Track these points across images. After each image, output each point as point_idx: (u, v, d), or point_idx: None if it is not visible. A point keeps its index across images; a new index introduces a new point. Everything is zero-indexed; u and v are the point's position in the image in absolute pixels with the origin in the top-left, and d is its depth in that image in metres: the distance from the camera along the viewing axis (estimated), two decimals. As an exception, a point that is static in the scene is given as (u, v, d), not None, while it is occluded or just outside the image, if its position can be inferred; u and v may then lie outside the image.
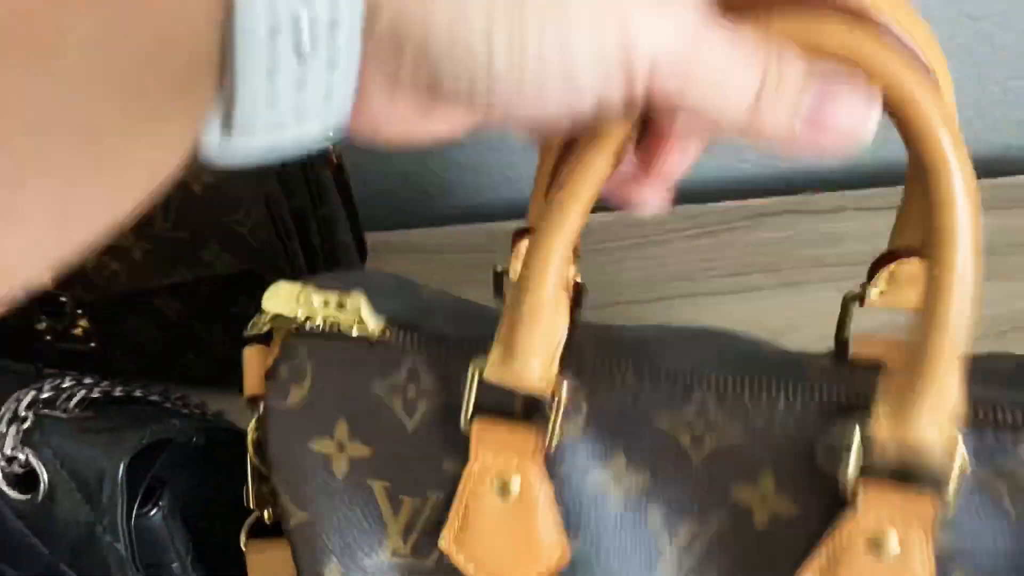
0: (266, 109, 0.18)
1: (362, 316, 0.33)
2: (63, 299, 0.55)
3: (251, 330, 0.36)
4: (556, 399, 0.31)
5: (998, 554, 0.29)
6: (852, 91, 0.24)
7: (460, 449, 0.32)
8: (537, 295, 0.30)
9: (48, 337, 0.57)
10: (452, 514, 0.32)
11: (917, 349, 0.27)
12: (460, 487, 0.32)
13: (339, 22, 0.18)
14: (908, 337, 0.27)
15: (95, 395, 0.43)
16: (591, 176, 0.28)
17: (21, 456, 0.40)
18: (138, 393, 0.45)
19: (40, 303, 0.55)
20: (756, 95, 0.22)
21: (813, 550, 0.30)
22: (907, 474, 0.28)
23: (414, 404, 0.33)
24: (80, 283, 0.53)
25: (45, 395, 0.42)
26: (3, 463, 0.40)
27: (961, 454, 0.28)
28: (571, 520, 0.32)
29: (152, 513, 0.40)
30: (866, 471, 0.29)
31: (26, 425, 0.40)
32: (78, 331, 0.57)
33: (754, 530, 0.31)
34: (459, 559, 0.32)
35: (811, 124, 0.23)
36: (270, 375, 0.34)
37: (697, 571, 0.32)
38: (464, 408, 0.31)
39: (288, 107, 0.19)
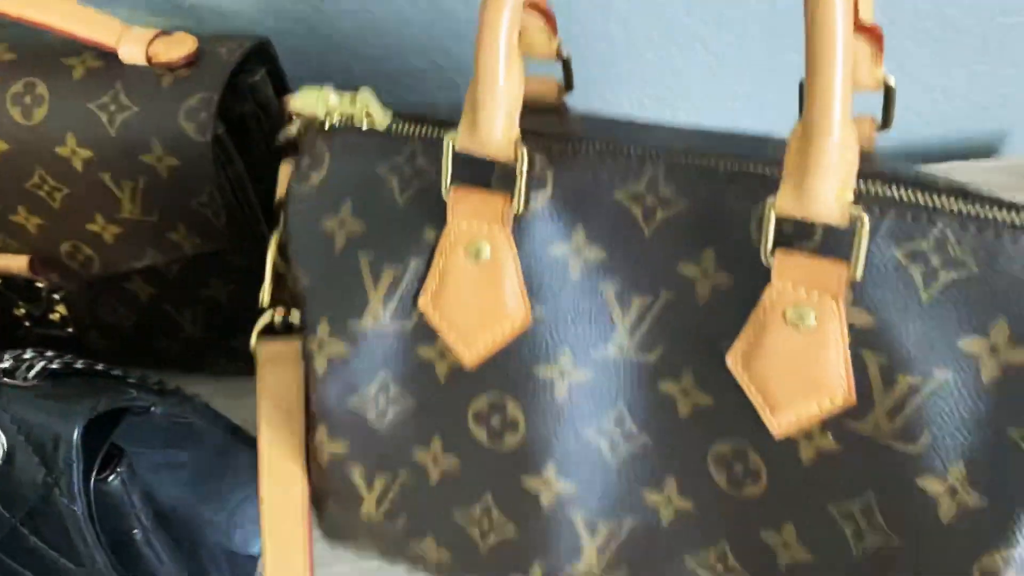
0: None
1: (370, 110, 0.37)
2: (39, 285, 0.55)
3: (281, 138, 0.41)
4: (519, 162, 0.34)
5: (910, 337, 0.31)
6: None
7: (440, 220, 0.36)
8: (487, 56, 0.33)
9: (27, 323, 0.58)
10: (429, 277, 0.36)
11: (805, 126, 0.29)
12: (437, 251, 0.35)
13: None
14: (802, 121, 0.30)
15: (55, 366, 0.43)
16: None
17: (-20, 423, 0.40)
18: (99, 367, 0.45)
19: (17, 290, 0.56)
20: None
21: (745, 321, 0.33)
22: (825, 247, 0.31)
23: (409, 182, 0.36)
24: (56, 269, 0.54)
25: (4, 365, 0.42)
26: (-39, 432, 0.40)
27: (863, 227, 0.30)
28: (534, 288, 0.35)
29: (111, 479, 0.40)
30: (787, 243, 0.31)
31: None
32: (55, 316, 0.57)
33: (697, 303, 0.34)
34: (435, 319, 0.36)
35: None
36: (295, 165, 0.39)
37: (647, 340, 0.35)
38: (443, 178, 0.35)
39: None
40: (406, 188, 0.37)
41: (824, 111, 0.29)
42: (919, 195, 0.31)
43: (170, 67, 0.47)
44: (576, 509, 0.38)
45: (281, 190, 0.40)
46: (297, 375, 0.41)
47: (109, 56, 0.48)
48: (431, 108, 0.39)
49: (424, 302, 0.36)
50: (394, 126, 0.38)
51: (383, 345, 0.38)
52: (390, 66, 0.66)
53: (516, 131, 0.34)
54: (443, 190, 0.35)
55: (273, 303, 0.42)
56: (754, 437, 0.34)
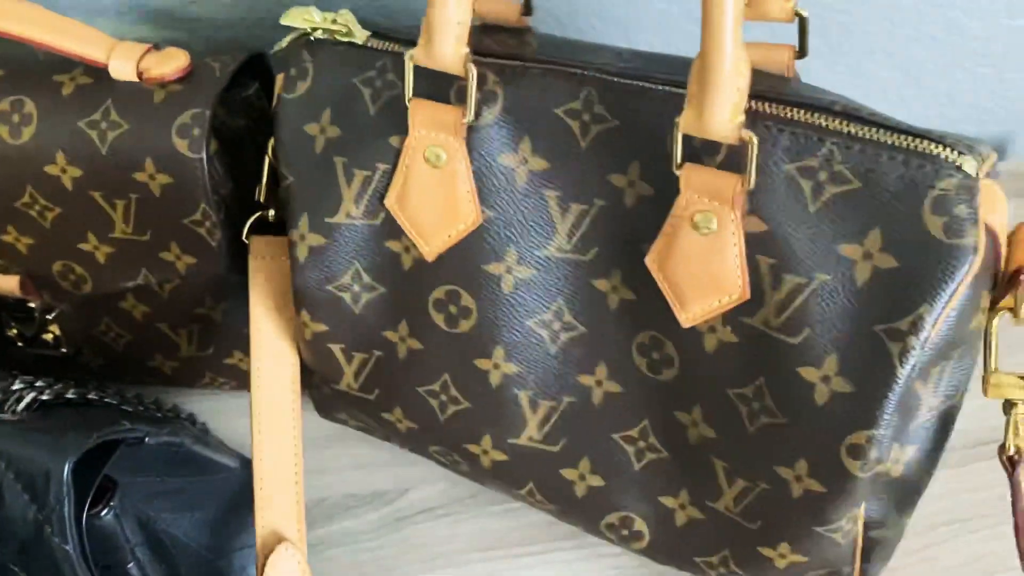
0: None
1: (351, 28, 0.43)
2: (31, 305, 0.54)
3: (275, 49, 0.46)
4: (468, 78, 0.39)
5: (797, 243, 0.35)
6: None
7: (405, 129, 0.41)
8: None
9: (19, 344, 0.57)
10: (395, 178, 0.42)
11: (702, 54, 0.34)
12: (401, 157, 0.41)
13: None
14: (700, 49, 0.34)
15: (45, 397, 0.42)
16: None
17: (-34, 459, 0.38)
18: (92, 395, 0.44)
19: (8, 310, 0.55)
20: None
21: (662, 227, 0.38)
22: (727, 163, 0.36)
23: (379, 93, 0.42)
24: (48, 289, 0.53)
25: None
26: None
27: (753, 145, 0.34)
28: (484, 192, 0.41)
29: (104, 513, 0.40)
30: (696, 158, 0.36)
31: None
32: (48, 336, 0.56)
33: (625, 210, 0.39)
34: (399, 216, 0.42)
35: None
36: (284, 76, 0.45)
37: (583, 242, 0.40)
38: (405, 91, 0.40)
39: None
40: (377, 99, 0.42)
41: (716, 45, 0.33)
42: (812, 116, 0.36)
43: (162, 82, 0.46)
44: (520, 388, 0.43)
45: (275, 99, 0.45)
46: (287, 267, 0.47)
47: (99, 72, 0.46)
48: (404, 29, 0.44)
49: (390, 201, 0.42)
50: (370, 43, 0.43)
51: (355, 239, 0.43)
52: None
53: (465, 50, 0.39)
54: (406, 101, 0.41)
55: (267, 200, 0.47)
56: (668, 329, 0.39)
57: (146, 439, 0.41)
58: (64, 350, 0.57)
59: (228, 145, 0.48)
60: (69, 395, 0.44)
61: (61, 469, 0.37)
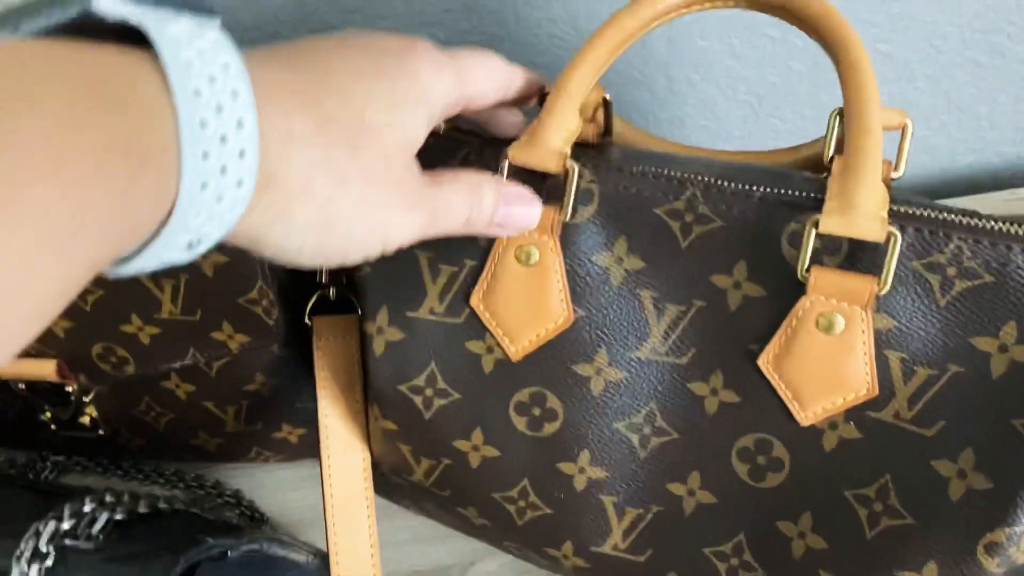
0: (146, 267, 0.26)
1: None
2: (68, 389, 0.52)
3: None
4: (568, 177, 0.37)
5: (927, 337, 0.35)
6: (522, 198, 0.37)
7: (494, 225, 0.39)
8: (557, 95, 0.37)
9: (53, 427, 0.55)
10: (482, 277, 0.39)
11: (850, 156, 0.33)
12: (491, 255, 0.39)
13: (212, 240, 0.27)
14: (845, 152, 0.34)
15: (119, 517, 0.41)
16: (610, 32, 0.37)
17: (45, 597, 0.38)
18: (162, 505, 0.43)
19: (43, 394, 0.52)
20: (467, 218, 0.35)
21: (776, 328, 0.36)
22: (851, 261, 0.34)
23: (462, 186, 0.40)
24: (86, 372, 0.51)
25: (66, 525, 0.39)
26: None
27: (895, 243, 0.33)
28: (576, 291, 0.39)
29: None
30: (817, 258, 0.35)
31: (48, 562, 0.38)
32: (85, 420, 0.54)
33: (728, 311, 0.37)
34: (485, 315, 0.40)
35: (502, 221, 0.37)
36: None
37: (679, 344, 0.38)
38: (498, 188, 0.38)
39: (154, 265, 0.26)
40: (461, 193, 0.40)
41: (868, 140, 0.33)
42: (935, 213, 0.35)
43: None
44: (606, 494, 0.41)
45: None
46: (352, 349, 0.45)
47: None
48: (465, 125, 0.42)
49: (476, 300, 0.40)
50: (452, 134, 0.41)
51: (435, 337, 0.41)
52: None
53: (568, 150, 0.37)
54: (497, 199, 0.38)
55: (332, 279, 0.45)
56: (779, 429, 0.37)
57: (228, 553, 0.40)
58: (101, 432, 0.55)
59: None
60: (141, 509, 0.42)
61: (154, 604, 0.35)
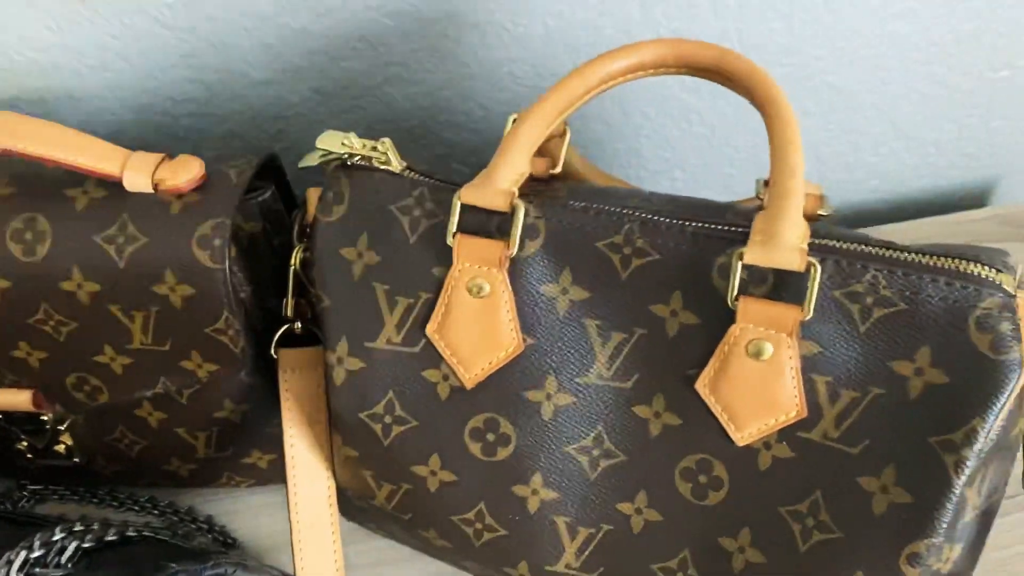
0: None
1: (389, 156, 0.43)
2: (44, 418, 0.53)
3: (303, 163, 0.46)
4: (515, 214, 0.40)
5: (849, 360, 0.37)
6: None
7: (446, 258, 0.41)
8: (512, 139, 0.40)
9: (29, 455, 0.55)
10: (437, 308, 0.41)
11: (773, 193, 0.36)
12: (444, 287, 0.41)
13: None
14: (770, 191, 0.36)
15: (87, 545, 0.41)
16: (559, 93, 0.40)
17: (16, 627, 0.38)
18: (131, 532, 0.44)
19: (18, 423, 0.53)
20: None
21: (711, 354, 0.38)
22: (776, 291, 0.36)
23: (418, 222, 0.42)
24: (60, 401, 0.52)
25: (36, 554, 0.40)
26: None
27: (816, 272, 0.36)
28: (526, 321, 0.41)
29: None
30: (744, 289, 0.37)
31: None
32: (60, 448, 0.55)
33: (667, 338, 0.39)
34: (440, 345, 0.42)
35: None
36: (321, 198, 0.44)
37: (623, 369, 0.41)
38: (450, 226, 0.41)
39: None
40: (416, 227, 0.42)
41: (791, 180, 0.36)
42: (853, 245, 0.37)
43: (178, 193, 0.45)
44: (559, 514, 0.43)
45: (309, 214, 0.45)
46: (318, 380, 0.47)
47: (112, 184, 0.46)
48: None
49: (431, 329, 0.42)
50: (405, 172, 0.43)
51: (393, 366, 0.43)
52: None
53: (515, 190, 0.40)
54: (449, 237, 0.40)
55: (296, 313, 0.47)
56: (718, 450, 0.40)
57: (196, 581, 0.40)
58: (76, 460, 0.56)
59: (244, 249, 0.48)
60: (109, 537, 0.44)
61: (122, 632, 0.36)
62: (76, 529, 0.43)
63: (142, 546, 0.45)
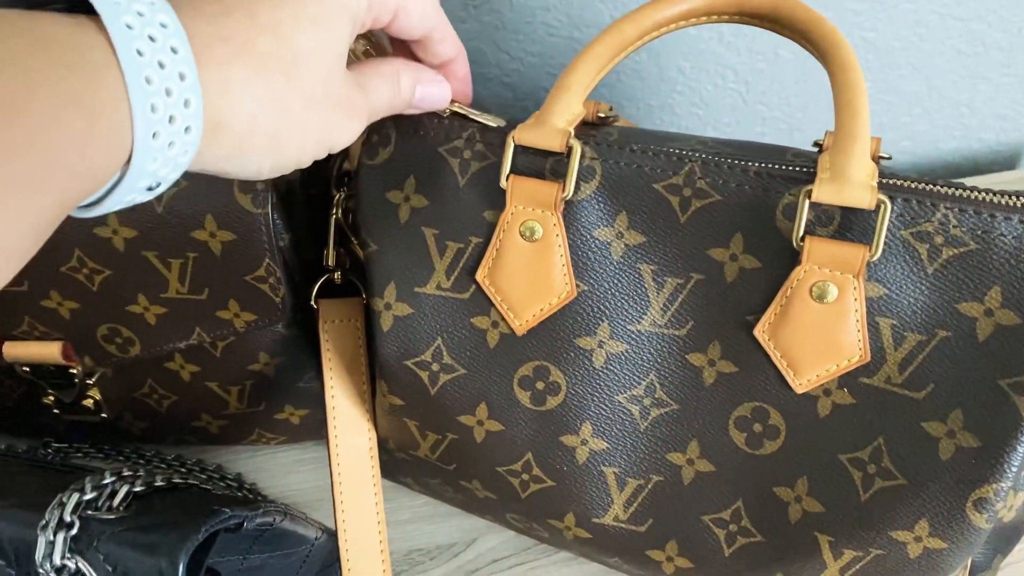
0: (112, 208, 0.29)
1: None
2: (72, 371, 0.51)
3: None
4: (571, 155, 0.38)
5: (915, 302, 0.36)
6: (436, 82, 0.40)
7: (498, 202, 0.40)
8: (564, 80, 0.39)
9: (56, 411, 0.55)
10: (487, 253, 0.40)
11: (840, 133, 0.35)
12: (496, 231, 0.40)
13: (170, 182, 0.29)
14: (835, 133, 0.35)
15: (138, 489, 0.42)
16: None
17: (71, 564, 0.39)
18: (177, 480, 0.44)
19: (46, 376, 0.52)
20: (389, 104, 0.38)
21: (771, 299, 0.37)
22: (842, 231, 0.35)
23: (468, 164, 0.41)
24: (90, 353, 0.50)
25: (88, 496, 0.40)
26: (53, 574, 0.39)
27: (886, 210, 0.35)
28: (579, 266, 0.40)
29: None
30: (810, 229, 0.36)
31: (73, 531, 0.39)
32: (88, 402, 0.54)
33: (725, 283, 0.38)
34: (490, 291, 0.41)
35: (420, 100, 0.40)
36: (364, 142, 0.43)
37: (678, 316, 0.40)
38: (503, 167, 0.39)
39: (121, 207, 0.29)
40: (466, 170, 0.41)
41: (858, 121, 0.35)
42: (922, 184, 0.36)
43: None
44: (607, 465, 0.42)
45: (352, 161, 0.45)
46: (357, 331, 0.46)
47: None
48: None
49: (482, 275, 0.41)
50: (454, 117, 0.42)
51: (442, 311, 0.42)
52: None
53: (571, 130, 0.39)
54: (502, 179, 0.39)
55: (337, 262, 0.46)
56: (774, 398, 0.39)
57: (244, 524, 0.40)
58: (104, 415, 0.55)
59: (282, 196, 0.46)
60: (158, 483, 0.43)
61: (175, 570, 0.37)
62: (125, 474, 0.43)
63: (190, 493, 0.44)
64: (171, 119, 0.27)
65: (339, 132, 0.35)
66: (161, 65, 0.26)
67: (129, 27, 0.26)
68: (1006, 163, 0.85)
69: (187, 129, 0.28)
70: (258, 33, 0.30)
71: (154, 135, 0.27)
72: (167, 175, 0.28)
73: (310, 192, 0.48)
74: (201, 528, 0.39)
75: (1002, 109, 0.80)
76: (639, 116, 0.71)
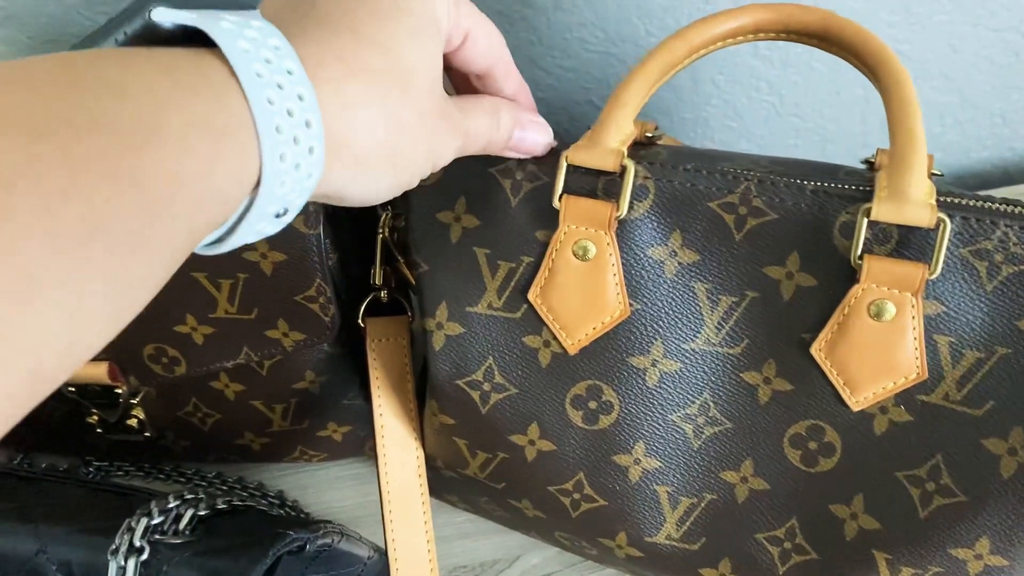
0: (244, 240, 0.29)
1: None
2: (117, 391, 0.52)
3: None
4: (624, 174, 0.39)
5: (974, 319, 0.36)
6: (535, 124, 0.40)
7: (550, 222, 0.40)
8: (617, 99, 0.39)
9: (99, 430, 0.55)
10: (540, 273, 0.40)
11: (896, 151, 0.35)
12: (548, 251, 0.40)
13: (298, 207, 0.29)
14: (891, 152, 0.35)
15: (202, 512, 0.42)
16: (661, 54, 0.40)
17: (143, 590, 0.39)
18: (237, 503, 0.45)
19: (91, 396, 0.52)
20: (488, 139, 0.38)
21: (827, 317, 0.37)
22: (900, 249, 0.35)
23: (519, 185, 0.41)
24: (135, 373, 0.51)
25: (156, 520, 0.41)
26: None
27: (945, 228, 0.35)
28: (632, 285, 0.40)
29: None
30: (868, 248, 0.36)
31: (144, 556, 0.39)
32: (132, 422, 0.54)
33: (781, 301, 0.38)
34: (542, 310, 0.41)
35: (518, 143, 0.40)
36: None
37: (732, 334, 0.40)
38: (556, 187, 0.40)
39: (253, 238, 0.29)
40: (518, 190, 0.41)
41: (914, 141, 0.35)
42: (980, 202, 0.36)
43: None
44: (660, 484, 0.42)
45: None
46: (404, 349, 0.46)
47: None
48: None
49: (534, 295, 0.41)
50: None
51: (493, 331, 0.42)
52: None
53: (624, 150, 0.39)
54: (555, 199, 0.39)
55: (384, 281, 0.47)
56: (830, 415, 0.39)
57: (307, 546, 0.41)
58: (147, 434, 0.55)
59: (329, 216, 0.47)
60: (219, 505, 0.44)
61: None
62: (188, 497, 0.43)
63: (249, 515, 0.44)
64: (295, 140, 0.27)
65: (444, 147, 0.35)
66: (280, 87, 0.27)
67: (246, 52, 0.27)
68: (1038, 174, 0.85)
69: (311, 150, 0.28)
70: (368, 50, 0.31)
71: (281, 157, 0.27)
72: (294, 200, 0.29)
73: (354, 212, 0.48)
74: (269, 552, 0.39)
75: (1038, 118, 0.79)
76: (673, 129, 0.71)
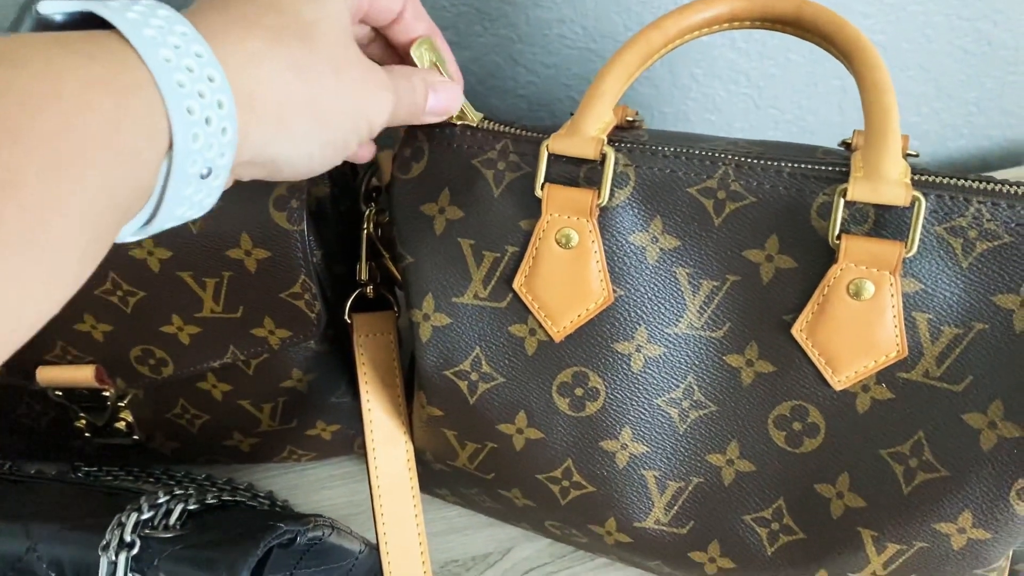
0: (178, 211, 0.30)
1: (465, 111, 0.42)
2: (105, 394, 0.52)
3: None
4: (605, 162, 0.39)
5: (952, 298, 0.36)
6: (445, 84, 0.41)
7: (533, 211, 0.41)
8: (595, 89, 0.39)
9: (87, 434, 0.55)
10: (524, 261, 0.41)
11: (871, 132, 0.36)
12: (532, 239, 0.41)
13: (223, 167, 0.30)
14: (866, 132, 0.36)
15: (192, 507, 0.42)
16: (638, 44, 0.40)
17: (133, 583, 0.39)
18: (227, 497, 0.45)
19: (78, 400, 0.52)
20: (412, 99, 0.38)
21: (807, 298, 0.38)
22: (877, 228, 0.36)
23: (502, 175, 0.41)
24: (123, 375, 0.51)
25: (145, 515, 0.41)
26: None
27: (920, 206, 0.35)
28: (615, 271, 0.40)
29: None
30: (845, 228, 0.37)
31: (134, 551, 0.39)
32: (120, 425, 0.54)
33: (761, 284, 0.39)
34: (527, 298, 0.41)
35: (434, 105, 0.40)
36: (397, 156, 0.44)
37: (714, 318, 0.40)
38: (538, 176, 0.40)
39: (187, 208, 0.30)
40: (500, 181, 0.41)
41: (888, 119, 0.36)
42: (954, 180, 0.37)
43: None
44: (648, 469, 0.43)
45: (384, 176, 0.45)
46: (390, 343, 0.47)
47: None
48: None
49: (519, 283, 0.41)
50: (484, 125, 0.43)
51: (480, 321, 0.42)
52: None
53: (604, 137, 0.39)
54: (537, 188, 0.40)
55: (369, 276, 0.47)
56: (813, 395, 0.39)
57: (297, 539, 0.41)
58: (136, 437, 0.55)
59: (313, 213, 0.47)
60: (209, 500, 0.44)
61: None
62: (177, 492, 0.44)
63: (239, 510, 0.45)
64: (200, 94, 0.28)
65: (374, 103, 0.35)
66: (176, 47, 0.28)
67: (135, 20, 0.27)
68: (1015, 159, 0.86)
69: (219, 103, 0.28)
70: (262, 12, 0.32)
71: (188, 110, 0.27)
72: (216, 160, 0.29)
73: (339, 209, 0.49)
74: (260, 543, 0.39)
75: (1009, 106, 0.80)
76: (653, 123, 0.71)
